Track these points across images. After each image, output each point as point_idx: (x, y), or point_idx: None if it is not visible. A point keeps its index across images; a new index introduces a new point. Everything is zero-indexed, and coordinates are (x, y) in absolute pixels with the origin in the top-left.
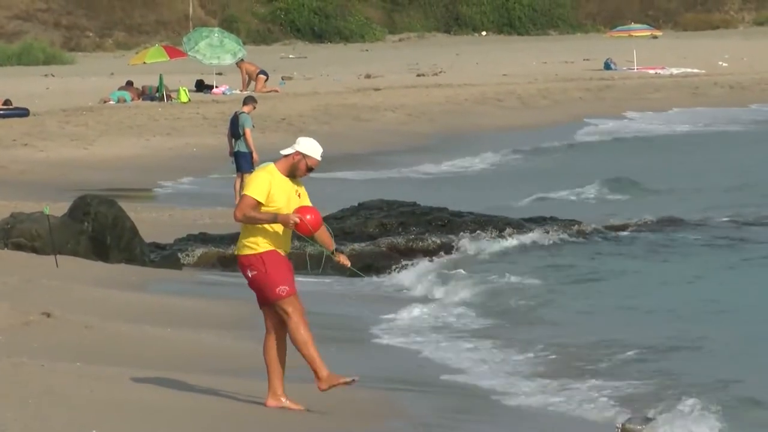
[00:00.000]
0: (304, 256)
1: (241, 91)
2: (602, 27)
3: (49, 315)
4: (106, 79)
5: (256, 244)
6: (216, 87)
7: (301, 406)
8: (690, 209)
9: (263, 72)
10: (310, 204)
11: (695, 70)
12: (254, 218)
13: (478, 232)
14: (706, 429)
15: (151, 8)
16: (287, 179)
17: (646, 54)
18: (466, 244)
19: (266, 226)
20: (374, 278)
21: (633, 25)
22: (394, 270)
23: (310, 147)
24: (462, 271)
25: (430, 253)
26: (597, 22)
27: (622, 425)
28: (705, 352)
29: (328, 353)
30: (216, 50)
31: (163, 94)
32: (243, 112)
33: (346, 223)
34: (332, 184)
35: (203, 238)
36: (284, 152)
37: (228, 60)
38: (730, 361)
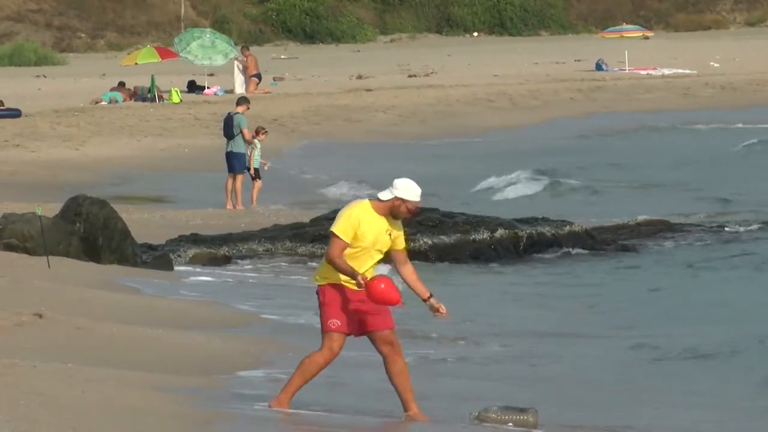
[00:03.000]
0: None
1: (243, 66)
2: (594, 28)
3: (40, 316)
4: (98, 80)
5: (324, 276)
6: (208, 88)
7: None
8: None
9: (257, 75)
10: (402, 244)
11: (687, 71)
12: (340, 268)
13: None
14: None
15: (143, 9)
16: (383, 219)
17: (637, 55)
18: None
19: (349, 253)
20: None
21: (624, 26)
22: None
23: (408, 190)
24: None
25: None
26: (588, 23)
27: (479, 413)
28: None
29: None
30: (207, 51)
31: (154, 95)
32: (237, 113)
33: None
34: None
35: (195, 239)
36: (382, 197)
37: (219, 61)
38: None
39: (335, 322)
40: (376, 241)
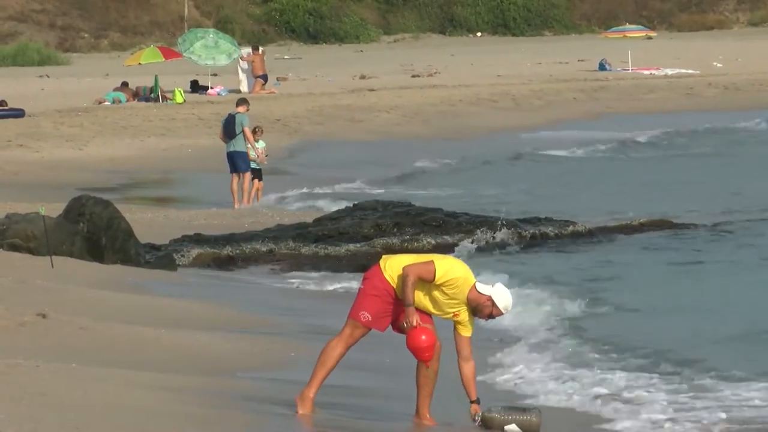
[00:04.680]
0: None
1: (245, 60)
2: (597, 28)
3: (44, 316)
4: (101, 80)
5: (391, 276)
6: (211, 88)
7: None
8: None
9: (263, 76)
10: (467, 331)
11: (690, 71)
12: (406, 285)
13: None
14: None
15: (146, 9)
16: (464, 299)
17: (640, 55)
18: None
19: (420, 285)
20: None
21: (628, 26)
22: None
23: (502, 299)
24: None
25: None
26: (592, 23)
27: (482, 413)
28: None
29: None
30: (211, 51)
31: (158, 95)
32: (239, 113)
33: (341, 224)
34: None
35: (198, 239)
36: (480, 288)
37: (223, 61)
38: None
39: (366, 316)
40: (429, 303)
